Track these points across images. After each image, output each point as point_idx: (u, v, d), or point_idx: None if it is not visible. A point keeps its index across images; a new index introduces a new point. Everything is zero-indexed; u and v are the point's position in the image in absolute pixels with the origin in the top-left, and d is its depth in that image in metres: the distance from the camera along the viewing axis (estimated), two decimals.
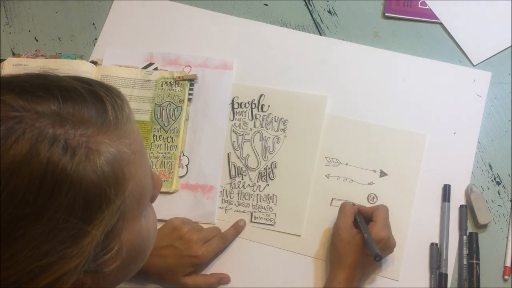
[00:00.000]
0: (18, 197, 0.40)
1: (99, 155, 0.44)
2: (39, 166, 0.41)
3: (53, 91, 0.44)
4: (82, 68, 0.93)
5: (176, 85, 0.93)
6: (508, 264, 0.82)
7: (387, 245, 0.78)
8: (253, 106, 0.92)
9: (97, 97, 0.47)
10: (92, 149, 0.43)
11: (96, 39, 0.99)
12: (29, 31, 1.00)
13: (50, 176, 0.41)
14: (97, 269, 0.47)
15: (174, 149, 0.90)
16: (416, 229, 0.84)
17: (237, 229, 0.86)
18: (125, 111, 0.49)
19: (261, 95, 0.92)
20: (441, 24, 0.96)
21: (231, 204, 0.88)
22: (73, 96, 0.45)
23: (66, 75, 0.49)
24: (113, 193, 0.44)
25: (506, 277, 0.82)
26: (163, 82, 0.93)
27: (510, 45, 0.94)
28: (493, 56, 0.93)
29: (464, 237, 0.83)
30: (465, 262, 0.82)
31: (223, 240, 0.84)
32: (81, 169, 0.42)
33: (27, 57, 0.96)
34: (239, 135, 0.91)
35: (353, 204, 0.84)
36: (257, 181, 0.89)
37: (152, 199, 0.55)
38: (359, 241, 0.77)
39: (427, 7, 0.97)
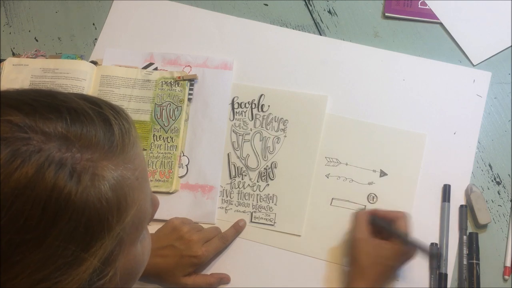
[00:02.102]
0: (19, 222, 0.39)
1: (104, 181, 0.43)
2: (44, 191, 0.40)
3: (62, 112, 0.43)
4: (82, 68, 0.93)
5: (176, 85, 0.93)
6: (508, 264, 0.82)
7: (408, 256, 0.77)
8: (253, 106, 0.92)
9: (105, 120, 0.46)
10: (98, 175, 0.43)
11: (96, 39, 0.99)
12: (29, 31, 1.00)
13: (54, 202, 0.40)
14: None
15: (174, 149, 0.90)
16: (416, 229, 0.84)
17: (237, 229, 0.86)
18: (132, 135, 0.48)
19: (261, 95, 0.92)
20: (441, 24, 0.96)
21: (231, 204, 0.88)
22: (81, 118, 0.44)
23: (74, 93, 0.48)
24: (114, 220, 0.44)
25: (506, 277, 0.82)
26: (163, 82, 0.93)
27: (510, 45, 0.94)
28: (493, 56, 0.93)
29: (464, 237, 0.83)
30: (465, 262, 0.82)
31: (223, 240, 0.84)
32: (85, 195, 0.41)
33: (27, 57, 0.96)
34: (239, 135, 0.91)
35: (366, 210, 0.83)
36: (257, 181, 0.89)
37: (149, 221, 0.53)
38: (384, 253, 0.76)
39: (427, 7, 0.97)
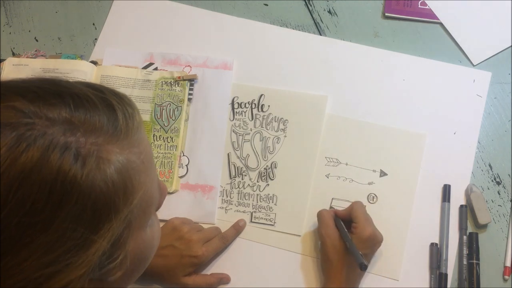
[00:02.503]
0: (26, 205, 0.40)
1: (109, 164, 0.44)
2: (49, 174, 0.40)
3: (65, 98, 0.44)
4: (82, 68, 0.93)
5: (176, 85, 0.93)
6: (508, 264, 0.82)
7: (375, 241, 0.78)
8: (253, 106, 0.92)
9: (108, 105, 0.47)
10: (103, 158, 0.43)
11: (96, 39, 0.99)
12: (29, 31, 1.00)
13: (60, 185, 0.40)
14: (102, 278, 0.47)
15: (174, 149, 0.90)
16: (416, 229, 0.84)
17: (237, 229, 0.86)
18: (136, 120, 0.49)
19: (261, 95, 0.92)
20: (441, 24, 0.96)
21: (231, 204, 0.88)
22: (85, 104, 0.45)
23: (78, 81, 0.48)
24: (121, 202, 0.44)
25: (506, 277, 0.82)
26: (163, 82, 0.93)
27: (510, 45, 0.94)
28: (493, 56, 0.93)
29: (464, 237, 0.83)
30: (465, 262, 0.82)
31: (223, 240, 0.84)
32: (91, 178, 0.42)
33: (27, 57, 0.96)
34: (239, 135, 0.91)
35: (330, 207, 0.84)
36: (257, 181, 0.89)
37: (157, 207, 0.54)
38: (345, 244, 0.77)
39: (427, 7, 0.97)
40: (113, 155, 0.44)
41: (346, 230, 0.79)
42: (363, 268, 0.72)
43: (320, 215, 0.82)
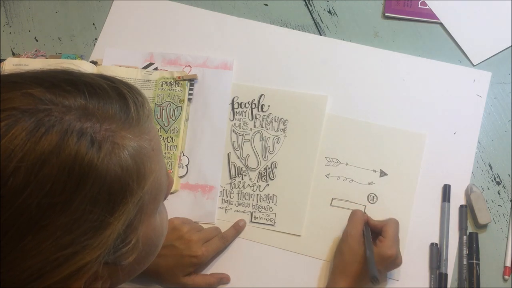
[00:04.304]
0: (46, 187, 0.41)
1: (123, 149, 0.45)
2: (68, 157, 0.42)
3: (80, 86, 0.46)
4: (82, 68, 0.93)
5: (176, 85, 0.93)
6: (508, 264, 0.82)
7: (394, 263, 0.78)
8: (253, 106, 0.92)
9: (120, 94, 0.48)
10: (117, 143, 0.45)
11: (96, 39, 0.99)
12: (29, 31, 1.00)
13: (78, 168, 0.42)
14: (115, 262, 0.48)
15: (174, 149, 0.90)
16: (416, 229, 0.84)
17: (237, 229, 0.86)
18: (146, 108, 0.51)
19: (261, 95, 0.92)
20: (441, 24, 0.96)
21: (231, 204, 0.88)
22: (98, 92, 0.46)
23: (88, 73, 0.50)
24: (135, 186, 0.46)
25: (506, 277, 0.82)
26: (163, 82, 0.93)
27: (510, 45, 0.94)
28: (493, 56, 0.93)
29: (464, 237, 0.83)
30: (465, 262, 0.82)
31: (223, 240, 0.84)
32: (106, 162, 0.44)
33: (27, 57, 0.96)
34: (239, 135, 0.91)
35: (364, 212, 0.83)
36: (257, 181, 0.89)
37: (165, 197, 0.56)
38: (364, 252, 0.77)
39: (427, 7, 0.97)
40: (126, 141, 0.46)
41: (371, 239, 0.78)
42: (374, 281, 0.72)
43: (353, 214, 0.81)
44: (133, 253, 0.49)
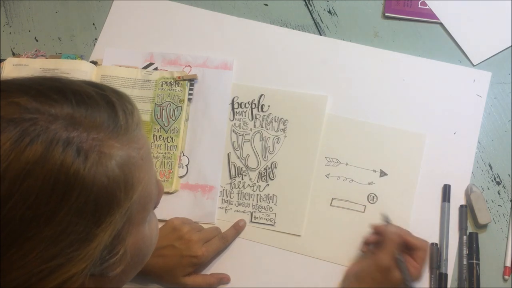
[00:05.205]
0: (31, 198, 0.40)
1: (110, 158, 0.44)
2: (53, 168, 0.41)
3: (67, 94, 0.45)
4: (82, 68, 0.93)
5: (176, 85, 0.93)
6: (508, 264, 0.82)
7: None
8: (253, 106, 0.92)
9: (108, 102, 0.47)
10: (104, 153, 0.44)
11: (96, 39, 0.99)
12: (29, 31, 1.00)
13: (63, 178, 0.41)
14: (102, 273, 0.47)
15: (174, 149, 0.90)
16: (416, 229, 0.84)
17: (237, 229, 0.86)
18: (135, 117, 0.50)
19: (261, 95, 0.92)
20: (441, 24, 0.96)
21: (231, 204, 0.88)
22: (86, 100, 0.46)
23: (78, 79, 0.49)
24: (122, 196, 0.45)
25: (506, 277, 0.82)
26: (163, 82, 0.93)
27: (510, 45, 0.94)
28: (493, 56, 0.93)
29: (464, 237, 0.83)
30: (465, 262, 0.82)
31: (223, 240, 0.84)
32: (93, 172, 0.43)
33: (27, 57, 0.96)
34: (239, 135, 0.91)
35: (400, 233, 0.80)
36: (257, 181, 0.89)
37: (155, 206, 0.55)
38: (395, 279, 0.75)
39: (427, 7, 0.97)
40: (114, 150, 0.45)
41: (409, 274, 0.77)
42: None
43: (388, 235, 0.78)
44: (121, 264, 0.48)
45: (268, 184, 0.88)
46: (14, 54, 0.98)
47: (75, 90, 0.46)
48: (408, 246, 0.79)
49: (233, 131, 0.91)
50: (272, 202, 0.87)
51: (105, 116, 0.46)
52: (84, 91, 0.46)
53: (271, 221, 0.87)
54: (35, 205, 0.40)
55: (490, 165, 0.88)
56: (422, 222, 0.84)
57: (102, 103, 0.47)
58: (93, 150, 0.43)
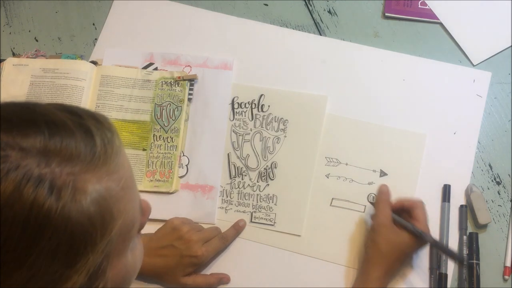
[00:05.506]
0: None
1: (85, 195, 0.42)
2: (23, 209, 0.39)
3: (41, 126, 0.42)
4: (82, 68, 0.93)
5: (176, 85, 0.93)
6: (508, 264, 0.82)
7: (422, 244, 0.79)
8: (253, 106, 0.92)
9: (86, 131, 0.44)
10: (79, 189, 0.41)
11: (96, 39, 0.99)
12: (29, 31, 1.00)
13: (34, 220, 0.39)
14: None
15: (174, 149, 0.90)
16: None
17: (237, 229, 0.86)
18: (115, 145, 0.47)
19: (261, 95, 0.92)
20: (441, 24, 0.96)
21: (231, 204, 0.88)
22: (61, 131, 0.43)
23: (55, 104, 0.46)
24: (98, 235, 0.42)
25: (506, 277, 0.82)
26: (163, 82, 0.93)
27: (510, 45, 0.94)
28: (493, 56, 0.93)
29: (464, 237, 0.83)
30: (465, 262, 0.82)
31: (223, 240, 0.84)
32: (67, 211, 0.40)
33: (27, 57, 0.96)
34: (239, 135, 0.91)
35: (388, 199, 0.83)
36: (257, 181, 0.89)
37: (140, 228, 0.52)
38: (404, 240, 0.77)
39: (427, 7, 0.97)
40: (90, 185, 0.42)
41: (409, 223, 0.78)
42: (463, 260, 0.74)
43: (379, 202, 0.81)
44: None
45: (268, 184, 0.88)
46: (14, 54, 0.98)
47: (49, 121, 0.43)
48: (404, 209, 0.81)
49: (233, 131, 0.91)
50: (272, 202, 0.87)
51: (81, 147, 0.43)
52: (59, 120, 0.43)
53: (271, 221, 0.87)
54: (4, 250, 0.38)
55: (490, 165, 0.88)
56: None
57: (78, 133, 0.44)
58: (67, 187, 0.40)
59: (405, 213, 0.81)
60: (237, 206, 0.88)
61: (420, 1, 0.97)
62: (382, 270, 0.77)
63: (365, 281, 0.77)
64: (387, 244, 0.77)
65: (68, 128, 0.43)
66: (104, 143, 0.45)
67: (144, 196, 0.91)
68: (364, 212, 0.86)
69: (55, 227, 0.40)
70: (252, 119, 0.92)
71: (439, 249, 0.76)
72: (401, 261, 0.79)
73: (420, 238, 0.77)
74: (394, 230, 0.78)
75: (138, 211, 0.50)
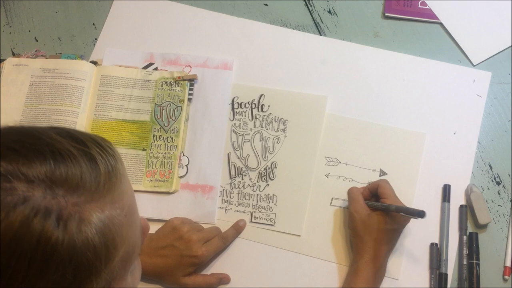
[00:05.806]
0: (5, 277, 0.38)
1: (90, 225, 0.42)
2: (30, 243, 0.39)
3: (46, 155, 0.42)
4: (82, 68, 0.93)
5: (176, 85, 0.93)
6: (508, 264, 0.82)
7: (405, 216, 0.79)
8: (253, 106, 0.92)
9: (91, 159, 0.45)
10: (84, 220, 0.42)
11: (96, 39, 0.99)
12: (29, 31, 1.00)
13: (41, 254, 0.39)
14: None
15: (174, 149, 0.90)
16: (416, 229, 0.84)
17: (237, 229, 0.86)
18: (119, 172, 0.47)
19: (261, 95, 0.92)
20: (441, 24, 0.96)
21: (231, 204, 0.88)
22: (66, 160, 0.43)
23: (60, 130, 0.46)
24: (102, 264, 0.43)
25: (506, 277, 0.82)
26: (163, 82, 0.93)
27: (510, 45, 0.94)
28: (493, 56, 0.93)
29: (464, 237, 0.83)
30: (465, 262, 0.82)
31: (223, 240, 0.84)
32: (72, 243, 0.41)
33: (27, 57, 0.96)
34: (239, 135, 0.91)
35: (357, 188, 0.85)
36: (257, 181, 0.89)
37: (139, 248, 0.53)
38: (376, 218, 0.78)
39: (427, 7, 0.97)
40: (95, 215, 0.43)
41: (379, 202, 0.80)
42: (423, 214, 0.73)
43: (350, 192, 0.83)
44: None
45: (268, 184, 0.88)
46: (14, 54, 0.98)
47: (54, 150, 0.43)
48: (373, 193, 0.83)
49: (233, 131, 0.91)
50: (272, 202, 0.87)
51: (86, 176, 0.43)
52: (65, 149, 0.44)
53: (271, 221, 0.87)
54: (10, 283, 0.39)
55: (490, 165, 0.88)
56: (422, 222, 0.84)
57: (83, 161, 0.44)
58: (73, 218, 0.41)
59: (375, 197, 0.82)
60: (237, 206, 0.88)
61: (420, 1, 0.97)
62: (368, 255, 0.77)
63: (356, 270, 0.78)
64: (364, 227, 0.79)
65: (74, 157, 0.44)
66: (108, 170, 0.46)
67: (144, 196, 0.92)
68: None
69: (61, 259, 0.40)
70: (252, 119, 0.92)
71: (403, 213, 0.76)
72: (386, 241, 0.78)
73: (387, 210, 0.78)
74: (366, 213, 0.79)
75: (139, 235, 0.50)
